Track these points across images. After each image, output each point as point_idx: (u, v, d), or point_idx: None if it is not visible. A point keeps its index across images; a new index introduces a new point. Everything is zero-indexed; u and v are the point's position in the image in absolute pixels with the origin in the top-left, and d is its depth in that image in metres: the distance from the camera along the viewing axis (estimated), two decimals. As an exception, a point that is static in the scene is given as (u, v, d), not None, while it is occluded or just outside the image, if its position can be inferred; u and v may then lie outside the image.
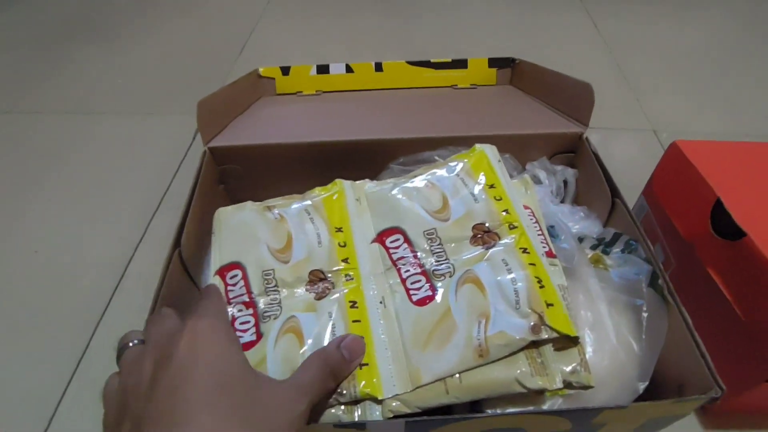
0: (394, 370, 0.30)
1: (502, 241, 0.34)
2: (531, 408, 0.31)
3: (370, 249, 0.36)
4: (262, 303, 0.33)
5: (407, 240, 0.35)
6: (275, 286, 0.34)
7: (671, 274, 0.46)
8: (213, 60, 0.86)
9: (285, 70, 0.60)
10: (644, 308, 0.34)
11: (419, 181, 0.38)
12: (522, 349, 0.30)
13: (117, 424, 0.22)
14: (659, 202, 0.47)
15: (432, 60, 0.60)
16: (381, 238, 0.36)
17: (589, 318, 0.34)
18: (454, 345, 0.30)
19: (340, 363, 0.29)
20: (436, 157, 0.46)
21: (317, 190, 0.40)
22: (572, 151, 0.48)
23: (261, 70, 0.59)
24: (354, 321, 0.32)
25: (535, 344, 0.30)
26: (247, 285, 0.34)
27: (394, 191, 0.38)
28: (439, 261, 0.34)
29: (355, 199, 0.39)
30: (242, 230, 0.37)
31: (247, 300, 0.33)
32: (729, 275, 0.39)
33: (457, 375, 0.29)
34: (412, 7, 0.97)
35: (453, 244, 0.35)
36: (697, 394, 0.31)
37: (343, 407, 0.30)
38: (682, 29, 0.92)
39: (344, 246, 0.36)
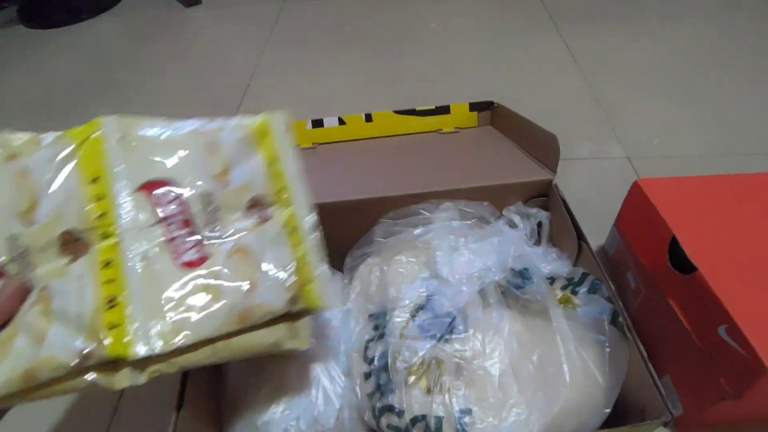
0: (152, 331, 0.30)
1: (273, 220, 0.36)
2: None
3: (134, 199, 0.33)
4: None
5: (179, 197, 0.33)
6: (22, 253, 0.31)
7: (641, 301, 0.51)
8: (211, 109, 0.92)
9: (283, 126, 0.65)
10: (606, 344, 0.39)
11: (200, 137, 0.36)
12: (281, 318, 0.34)
13: None
14: (626, 236, 0.52)
15: (417, 108, 0.66)
16: (148, 187, 0.33)
17: (562, 355, 0.39)
18: (220, 308, 0.31)
19: None
20: (422, 210, 0.51)
21: (72, 131, 0.34)
22: (545, 195, 0.53)
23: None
24: (107, 281, 0.31)
25: (291, 314, 0.35)
26: None
27: (172, 135, 0.35)
28: (212, 227, 0.34)
29: (118, 138, 0.34)
30: None
31: None
32: (685, 305, 0.44)
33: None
34: (398, 51, 1.03)
35: (225, 211, 0.35)
36: (655, 418, 0.36)
37: (95, 374, 0.30)
38: (655, 44, 0.96)
39: (101, 199, 0.32)
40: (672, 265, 0.45)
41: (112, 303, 0.30)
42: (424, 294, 0.45)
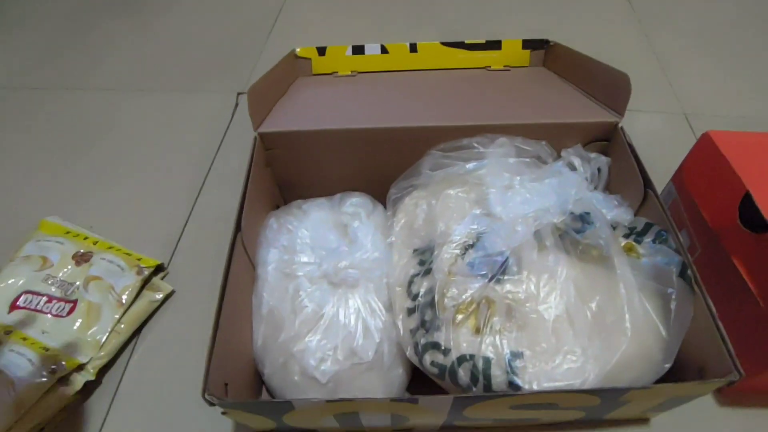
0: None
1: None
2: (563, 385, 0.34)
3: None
4: None
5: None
6: None
7: (696, 259, 0.48)
8: (245, 35, 0.86)
9: (321, 51, 0.61)
10: (674, 296, 0.37)
11: None
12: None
13: None
14: (688, 191, 0.49)
15: (466, 41, 0.61)
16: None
17: (624, 303, 0.37)
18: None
19: None
20: (475, 144, 0.48)
21: None
22: (606, 139, 0.49)
23: (298, 50, 0.60)
24: None
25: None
26: None
27: None
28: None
29: None
30: None
31: None
32: (753, 265, 0.41)
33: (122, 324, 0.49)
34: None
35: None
36: (716, 377, 0.34)
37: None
38: (716, 2, 0.90)
39: None
40: (742, 223, 0.42)
41: None
42: (476, 231, 0.43)
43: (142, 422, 0.45)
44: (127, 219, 0.59)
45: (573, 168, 0.47)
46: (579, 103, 0.51)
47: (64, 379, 0.44)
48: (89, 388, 0.46)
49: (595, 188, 0.47)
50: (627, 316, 0.36)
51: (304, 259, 0.44)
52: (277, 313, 0.42)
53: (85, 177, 0.64)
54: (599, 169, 0.48)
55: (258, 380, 0.44)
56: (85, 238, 0.54)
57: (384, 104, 0.53)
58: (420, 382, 0.42)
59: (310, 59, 0.61)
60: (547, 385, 0.36)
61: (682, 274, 0.38)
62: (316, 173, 0.52)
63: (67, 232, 0.55)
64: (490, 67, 0.61)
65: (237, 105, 0.71)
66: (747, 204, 0.42)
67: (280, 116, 0.50)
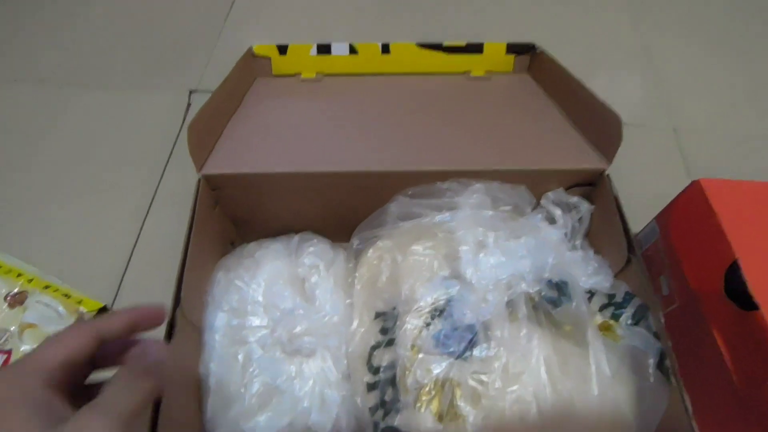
0: None
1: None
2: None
3: None
4: None
5: None
6: None
7: (672, 312, 0.46)
8: (197, 23, 0.76)
9: (282, 49, 0.54)
10: (648, 390, 0.35)
11: None
12: None
13: None
14: (671, 241, 0.46)
15: (444, 43, 0.55)
16: None
17: (595, 396, 0.35)
18: None
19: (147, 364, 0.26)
20: (447, 191, 0.43)
21: None
22: (591, 183, 0.45)
23: (255, 48, 0.53)
24: None
25: None
26: None
27: None
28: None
29: None
30: None
31: None
32: (733, 341, 0.39)
33: None
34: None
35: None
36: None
37: None
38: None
39: None
40: (727, 294, 0.39)
41: None
42: (444, 298, 0.39)
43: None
44: (68, 246, 0.53)
45: (552, 221, 0.43)
46: (566, 138, 0.46)
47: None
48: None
49: (575, 240, 0.44)
50: (596, 410, 0.34)
51: (256, 322, 0.40)
52: (226, 385, 0.38)
53: (21, 193, 0.58)
54: (580, 219, 0.44)
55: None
56: (19, 275, 0.49)
57: (347, 135, 0.47)
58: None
59: (269, 58, 0.54)
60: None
61: (659, 365, 0.35)
62: (271, 213, 0.47)
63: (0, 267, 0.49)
64: (470, 72, 0.56)
65: (189, 105, 0.64)
66: (734, 274, 0.39)
67: (227, 150, 0.44)
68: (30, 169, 0.60)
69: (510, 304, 0.38)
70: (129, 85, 0.68)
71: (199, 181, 0.41)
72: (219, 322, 0.40)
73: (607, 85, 0.56)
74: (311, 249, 0.44)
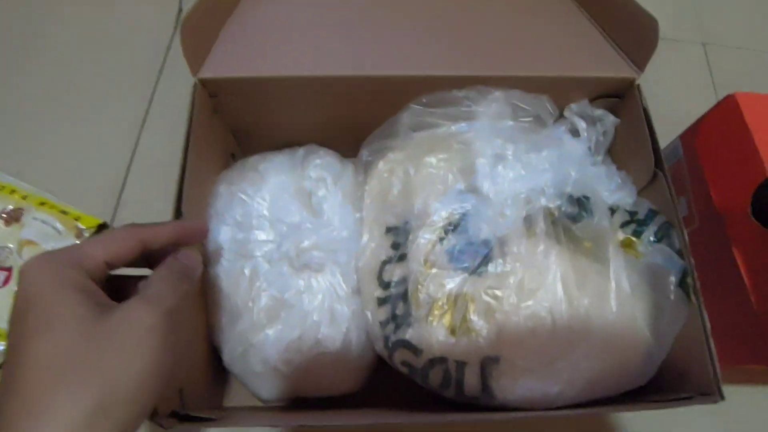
0: None
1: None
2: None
3: None
4: None
5: None
6: None
7: (691, 232, 0.44)
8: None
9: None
10: (669, 308, 0.34)
11: None
12: None
13: None
14: (698, 159, 0.43)
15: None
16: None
17: (614, 314, 0.34)
18: None
19: (186, 266, 0.28)
20: (465, 99, 0.40)
21: None
22: (618, 95, 0.42)
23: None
24: None
25: None
26: None
27: None
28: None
29: None
30: None
31: None
32: (754, 262, 0.38)
33: None
34: None
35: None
36: (696, 386, 0.33)
37: None
38: None
39: None
40: (753, 214, 0.37)
41: None
42: (458, 212, 0.37)
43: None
44: (61, 162, 0.50)
45: (576, 134, 0.40)
46: (593, 44, 0.42)
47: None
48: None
49: (598, 154, 0.42)
50: (615, 327, 0.34)
51: (262, 236, 0.38)
52: (234, 300, 0.38)
53: (9, 110, 0.54)
54: (605, 132, 0.41)
55: (220, 364, 0.40)
56: (12, 191, 0.46)
57: (357, 36, 0.43)
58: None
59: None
60: (521, 394, 0.34)
61: (681, 282, 0.34)
62: (275, 122, 0.44)
63: (-8, 183, 0.47)
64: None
65: (180, 10, 0.59)
66: (763, 193, 0.37)
67: (226, 52, 0.40)
68: (17, 84, 0.55)
69: (528, 220, 0.36)
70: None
71: (195, 85, 0.38)
72: (223, 236, 0.38)
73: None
74: (318, 162, 0.41)
